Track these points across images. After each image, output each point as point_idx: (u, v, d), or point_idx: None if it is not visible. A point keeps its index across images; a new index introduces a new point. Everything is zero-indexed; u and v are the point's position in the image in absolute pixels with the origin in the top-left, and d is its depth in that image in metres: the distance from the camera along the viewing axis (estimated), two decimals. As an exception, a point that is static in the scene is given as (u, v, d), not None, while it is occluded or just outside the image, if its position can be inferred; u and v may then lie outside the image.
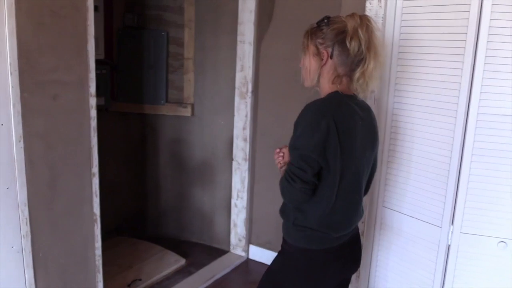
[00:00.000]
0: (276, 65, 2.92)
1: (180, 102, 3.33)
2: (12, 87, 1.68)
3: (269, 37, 2.92)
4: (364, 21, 1.35)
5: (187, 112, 3.26)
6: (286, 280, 1.45)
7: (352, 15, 1.37)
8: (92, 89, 1.98)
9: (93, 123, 2.01)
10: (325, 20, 1.41)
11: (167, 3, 3.22)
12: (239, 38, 2.96)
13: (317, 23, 1.43)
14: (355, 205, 1.45)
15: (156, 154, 3.48)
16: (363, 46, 1.33)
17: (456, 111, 1.82)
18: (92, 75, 1.97)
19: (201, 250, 3.37)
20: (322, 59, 1.40)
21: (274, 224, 2.96)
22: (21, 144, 1.74)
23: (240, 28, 2.94)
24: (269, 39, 2.93)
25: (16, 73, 1.68)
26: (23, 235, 1.81)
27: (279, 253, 1.52)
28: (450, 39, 1.81)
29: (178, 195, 3.51)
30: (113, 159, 3.45)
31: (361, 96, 1.42)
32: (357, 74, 1.38)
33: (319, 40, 1.41)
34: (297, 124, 1.35)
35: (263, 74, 2.98)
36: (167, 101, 3.34)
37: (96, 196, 2.09)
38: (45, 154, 1.83)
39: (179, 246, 3.41)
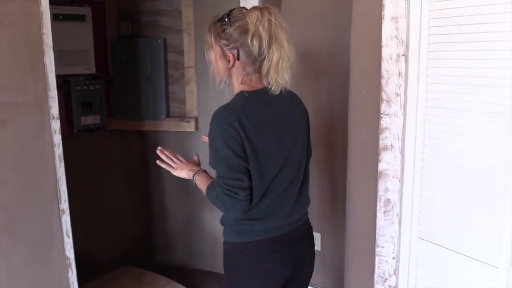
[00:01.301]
0: (297, 65, 2.51)
1: (183, 116, 2.98)
2: None
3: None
4: (265, 15, 1.30)
5: (190, 127, 2.91)
6: (229, 279, 1.49)
7: (253, 9, 1.32)
8: (54, 110, 1.65)
9: (58, 150, 1.68)
10: (226, 19, 1.34)
11: (163, 7, 2.89)
12: (242, 40, 2.58)
13: (219, 21, 1.37)
14: (286, 197, 1.44)
15: (160, 174, 3.14)
16: (264, 44, 1.30)
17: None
18: (53, 93, 1.65)
19: (213, 280, 3.00)
20: (229, 62, 1.36)
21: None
22: (-38, 184, 1.43)
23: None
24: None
25: (-51, 97, 1.37)
26: (-27, 293, 1.50)
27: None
28: (493, 31, 1.37)
29: (187, 218, 3.16)
30: (114, 182, 3.14)
31: (275, 89, 1.37)
32: (264, 69, 1.35)
33: (224, 42, 1.35)
34: (212, 138, 1.34)
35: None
36: (168, 115, 3.00)
37: (68, 236, 1.76)
38: (-5, 193, 1.51)
39: (190, 275, 3.05)
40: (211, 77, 1.46)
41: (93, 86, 2.87)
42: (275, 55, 1.32)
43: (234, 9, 1.38)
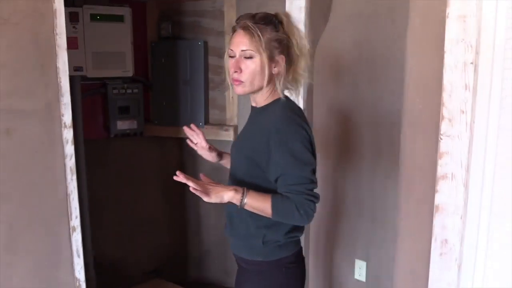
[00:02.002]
0: (333, 76, 2.27)
1: (222, 124, 2.80)
2: None
3: (326, 40, 2.28)
4: (290, 20, 1.34)
5: (229, 136, 2.71)
6: None
7: (283, 15, 1.33)
8: (67, 118, 1.50)
9: (70, 162, 1.53)
10: (276, 21, 1.30)
11: (205, 7, 2.72)
12: (287, 43, 2.35)
13: (265, 23, 1.29)
14: None
15: (197, 184, 2.97)
16: (297, 51, 1.33)
17: None
18: (66, 99, 1.50)
19: (248, 303, 2.77)
20: (275, 67, 1.31)
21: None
22: (-42, 197, 1.31)
23: (288, 32, 2.33)
24: (325, 45, 2.28)
25: None
26: (-32, 315, 1.37)
27: (246, 279, 1.46)
28: None
29: (223, 233, 2.96)
30: (149, 191, 3.01)
31: (294, 93, 1.44)
32: (289, 76, 1.35)
33: (275, 44, 1.30)
34: (289, 143, 1.27)
35: (318, 87, 2.33)
36: (207, 122, 2.82)
37: (79, 256, 1.60)
38: (-3, 208, 1.38)
39: (223, 295, 2.85)
40: (227, 84, 1.38)
41: (131, 90, 2.75)
42: (302, 62, 1.34)
43: (277, 12, 1.34)
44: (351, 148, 2.25)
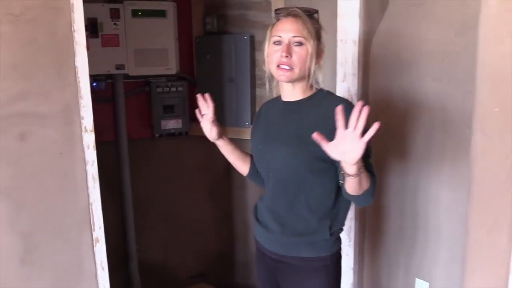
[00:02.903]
0: (392, 72, 1.99)
1: (269, 124, 2.61)
2: (-48, 126, 1.19)
3: (383, 32, 2.01)
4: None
5: (276, 136, 2.52)
6: None
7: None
8: (87, 121, 1.39)
9: (92, 169, 1.42)
10: (316, 14, 1.36)
11: (252, -1, 2.54)
12: (339, 36, 2.10)
13: (311, 16, 1.33)
14: None
15: (244, 187, 2.82)
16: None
17: None
18: (87, 101, 1.38)
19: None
20: (318, 58, 1.33)
21: None
22: (-30, 206, 1.23)
23: (340, 23, 2.08)
24: (383, 36, 2.01)
25: (-45, 106, 1.18)
26: (-16, 330, 1.30)
27: (305, 277, 1.38)
28: None
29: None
30: (195, 193, 2.90)
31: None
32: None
33: (317, 35, 1.33)
34: None
35: (374, 85, 2.07)
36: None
37: (103, 268, 1.49)
38: (13, 217, 1.30)
39: (270, 304, 2.67)
40: (292, 74, 1.29)
41: (175, 88, 2.64)
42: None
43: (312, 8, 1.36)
44: (411, 152, 1.97)
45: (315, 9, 1.37)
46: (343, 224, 1.42)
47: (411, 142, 1.96)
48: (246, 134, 2.64)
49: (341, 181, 1.21)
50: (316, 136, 1.09)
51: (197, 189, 2.91)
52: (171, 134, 2.72)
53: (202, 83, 2.71)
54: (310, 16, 1.32)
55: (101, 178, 2.55)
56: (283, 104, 1.39)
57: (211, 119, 1.48)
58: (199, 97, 1.49)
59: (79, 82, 1.36)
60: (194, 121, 2.74)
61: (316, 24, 1.33)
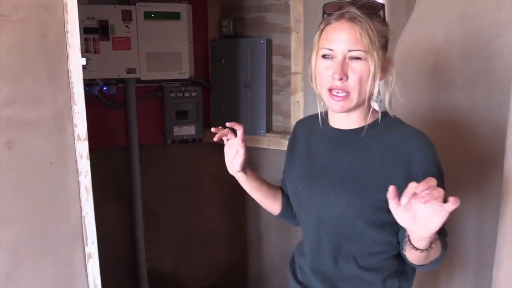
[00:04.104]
0: (417, 78, 1.83)
1: (286, 132, 2.48)
2: None
3: (409, 34, 1.85)
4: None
5: (292, 146, 2.39)
6: None
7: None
8: (81, 129, 1.29)
9: (85, 180, 1.32)
10: (382, 10, 0.99)
11: (270, 1, 2.42)
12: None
13: (373, 13, 0.96)
14: None
15: (258, 198, 2.69)
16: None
17: None
18: (80, 107, 1.29)
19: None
20: (386, 70, 1.00)
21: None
22: (-49, 218, 1.16)
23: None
24: (408, 38, 1.85)
25: None
26: None
27: None
28: None
29: (286, 253, 2.65)
30: (207, 202, 2.80)
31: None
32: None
33: (382, 42, 0.98)
34: (440, 167, 1.00)
35: (403, 90, 1.91)
36: (270, 130, 2.53)
37: (96, 286, 1.40)
38: (-3, 231, 1.21)
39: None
40: (350, 101, 0.99)
41: (189, 93, 2.55)
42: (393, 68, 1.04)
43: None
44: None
45: (380, 3, 1.00)
46: (411, 284, 1.11)
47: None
48: (262, 142, 2.52)
49: (403, 252, 0.95)
50: (392, 191, 0.79)
51: (210, 198, 2.80)
52: (184, 141, 2.63)
53: (217, 88, 2.61)
54: (373, 14, 0.97)
55: (111, 184, 2.54)
56: (333, 132, 1.08)
57: (242, 138, 1.13)
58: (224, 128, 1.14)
59: (73, 88, 1.27)
60: (208, 127, 2.65)
61: (381, 25, 0.98)
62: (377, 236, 1.01)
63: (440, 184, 0.86)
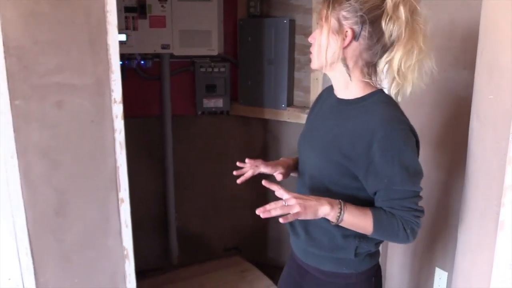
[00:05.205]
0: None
1: (305, 107, 2.66)
2: (1, 94, 1.39)
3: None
4: None
5: (311, 119, 2.57)
6: None
7: None
8: (116, 94, 1.55)
9: (119, 136, 1.59)
10: None
11: (295, -18, 2.59)
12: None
13: None
14: None
15: (279, 167, 2.90)
16: (396, 30, 1.05)
17: None
18: (116, 76, 1.54)
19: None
20: (344, 40, 1.09)
21: None
22: (14, 161, 1.44)
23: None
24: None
25: (3, 76, 1.38)
26: (23, 267, 1.53)
27: None
28: None
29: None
30: (234, 169, 3.02)
31: (398, 98, 1.13)
32: (382, 64, 1.12)
33: (344, 13, 1.09)
34: (400, 152, 1.07)
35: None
36: (291, 104, 2.72)
37: (127, 226, 1.67)
38: (49, 174, 1.50)
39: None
40: (314, 60, 1.19)
41: (218, 69, 2.77)
42: (400, 50, 1.06)
43: None
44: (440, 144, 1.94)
45: None
46: (374, 248, 1.24)
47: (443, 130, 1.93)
48: (283, 115, 2.72)
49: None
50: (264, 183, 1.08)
51: (235, 166, 3.03)
52: (212, 112, 2.86)
53: (244, 65, 2.81)
54: None
55: (146, 149, 2.82)
56: (334, 101, 1.22)
57: (265, 169, 1.41)
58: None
59: (110, 59, 1.52)
60: (236, 101, 2.88)
61: (359, 4, 1.06)
62: (343, 198, 1.11)
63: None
